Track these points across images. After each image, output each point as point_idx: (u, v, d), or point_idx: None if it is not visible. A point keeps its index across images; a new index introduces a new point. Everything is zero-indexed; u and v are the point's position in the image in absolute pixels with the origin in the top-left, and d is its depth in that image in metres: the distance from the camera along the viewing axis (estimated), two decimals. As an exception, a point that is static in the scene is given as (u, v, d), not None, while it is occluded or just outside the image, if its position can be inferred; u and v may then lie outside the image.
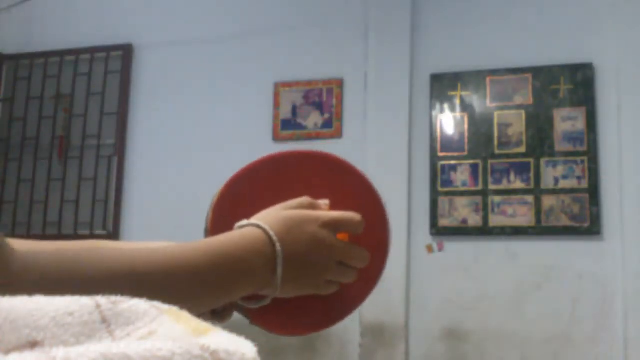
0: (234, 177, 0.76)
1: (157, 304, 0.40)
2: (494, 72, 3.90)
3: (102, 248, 0.67)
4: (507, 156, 3.80)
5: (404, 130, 3.97)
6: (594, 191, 3.64)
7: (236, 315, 0.73)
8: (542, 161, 3.74)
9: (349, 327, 3.86)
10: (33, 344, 0.36)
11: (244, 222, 0.68)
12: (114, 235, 4.35)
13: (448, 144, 3.90)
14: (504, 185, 3.78)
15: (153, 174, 4.39)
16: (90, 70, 4.58)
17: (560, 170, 3.71)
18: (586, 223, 3.62)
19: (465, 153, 3.86)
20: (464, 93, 3.93)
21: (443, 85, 3.96)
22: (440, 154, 3.89)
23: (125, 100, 4.50)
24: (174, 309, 0.40)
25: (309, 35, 4.25)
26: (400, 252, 3.85)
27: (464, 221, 3.80)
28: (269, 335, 0.78)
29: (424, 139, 3.94)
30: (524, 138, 3.79)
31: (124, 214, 4.40)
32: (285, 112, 4.19)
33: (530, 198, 3.72)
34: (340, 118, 4.10)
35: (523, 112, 3.82)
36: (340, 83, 4.13)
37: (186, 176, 4.31)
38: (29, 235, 4.50)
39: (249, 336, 0.46)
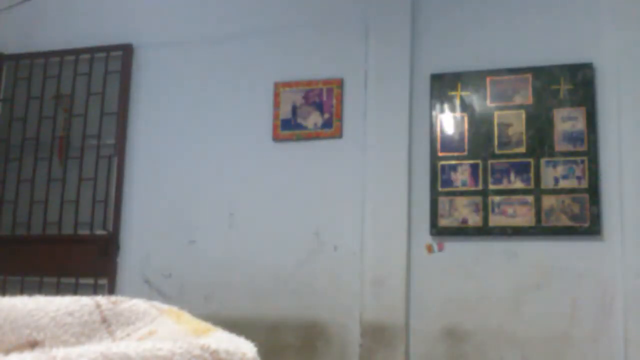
0: None
1: (157, 304, 0.40)
2: (494, 72, 3.90)
3: None
4: (507, 156, 3.80)
5: (404, 130, 3.97)
6: (594, 191, 3.64)
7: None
8: (542, 161, 3.74)
9: (349, 327, 3.86)
10: (33, 344, 0.36)
11: None
12: (114, 235, 4.36)
13: (448, 144, 3.90)
14: (504, 185, 3.77)
15: (153, 174, 4.39)
16: (90, 70, 4.57)
17: (560, 170, 3.71)
18: (586, 223, 3.62)
19: (465, 153, 3.86)
20: (464, 93, 3.93)
21: (443, 85, 3.96)
22: (440, 154, 3.89)
23: (125, 100, 4.50)
24: (174, 309, 0.40)
25: (309, 35, 4.24)
26: (400, 252, 3.85)
27: (464, 221, 3.80)
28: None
29: (424, 139, 3.94)
30: (524, 138, 3.79)
31: (124, 214, 4.40)
32: (285, 112, 4.19)
33: (530, 198, 3.72)
34: (340, 118, 4.10)
35: (523, 112, 3.82)
36: (340, 83, 4.13)
37: (186, 176, 4.31)
38: (29, 235, 4.50)
39: (248, 336, 0.47)
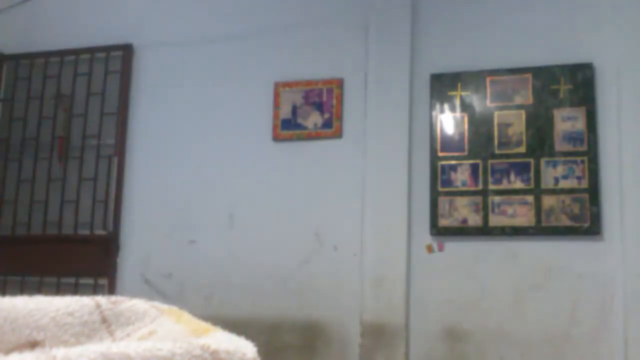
0: None
1: (157, 304, 0.40)
2: (494, 72, 3.90)
3: None
4: (507, 156, 3.80)
5: (404, 130, 3.97)
6: (594, 191, 3.64)
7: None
8: (542, 161, 3.74)
9: (349, 327, 3.86)
10: (33, 344, 0.36)
11: None
12: (114, 235, 4.35)
13: (448, 144, 3.89)
14: (504, 185, 3.77)
15: (153, 174, 4.39)
16: (90, 70, 4.57)
17: (560, 170, 3.71)
18: (586, 223, 3.62)
19: (465, 153, 3.86)
20: (464, 93, 3.93)
21: (443, 85, 3.96)
22: (440, 154, 3.89)
23: (125, 100, 4.50)
24: (175, 309, 0.40)
25: (309, 35, 4.24)
26: (400, 252, 3.85)
27: (464, 221, 3.80)
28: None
29: (424, 139, 3.94)
30: (524, 138, 3.79)
31: (124, 214, 4.40)
32: (285, 112, 4.19)
33: (530, 198, 3.72)
34: (340, 118, 4.10)
35: (523, 112, 3.82)
36: (340, 83, 4.13)
37: (186, 176, 4.31)
38: (29, 235, 4.50)
39: (248, 336, 0.47)
